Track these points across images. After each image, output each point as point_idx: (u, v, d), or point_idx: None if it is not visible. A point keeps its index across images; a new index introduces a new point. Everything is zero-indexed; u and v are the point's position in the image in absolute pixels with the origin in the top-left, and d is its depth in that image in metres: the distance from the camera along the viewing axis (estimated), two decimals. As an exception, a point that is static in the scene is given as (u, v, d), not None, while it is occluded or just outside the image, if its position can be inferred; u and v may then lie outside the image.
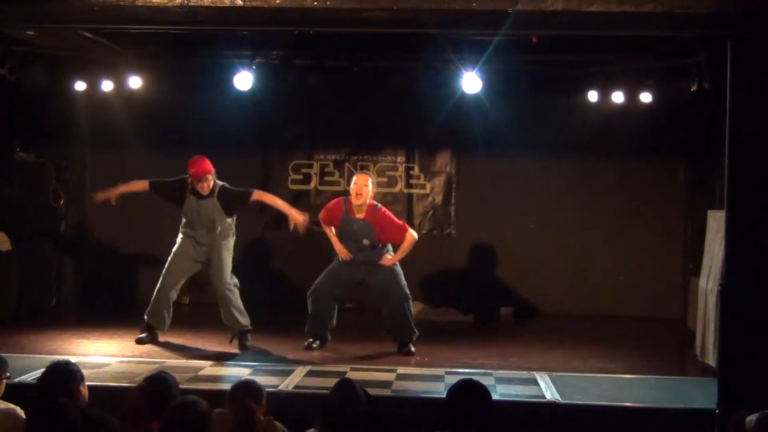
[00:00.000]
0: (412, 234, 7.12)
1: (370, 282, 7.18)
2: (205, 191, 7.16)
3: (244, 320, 7.18)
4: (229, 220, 7.27)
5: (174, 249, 7.31)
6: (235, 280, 7.30)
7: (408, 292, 7.16)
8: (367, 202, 7.06)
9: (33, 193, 9.00)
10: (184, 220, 7.31)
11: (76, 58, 8.61)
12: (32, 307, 8.76)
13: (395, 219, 7.22)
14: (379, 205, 7.21)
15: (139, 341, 7.25)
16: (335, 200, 7.37)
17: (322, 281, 7.16)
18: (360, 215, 7.08)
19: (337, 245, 7.10)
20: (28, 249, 8.71)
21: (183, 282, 7.42)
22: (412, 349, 7.12)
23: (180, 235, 7.32)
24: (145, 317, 7.30)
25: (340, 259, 7.10)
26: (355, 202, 7.04)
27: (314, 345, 7.12)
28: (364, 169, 7.08)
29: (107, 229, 9.81)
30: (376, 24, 5.82)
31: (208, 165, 7.16)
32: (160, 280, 7.28)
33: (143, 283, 9.10)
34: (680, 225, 9.45)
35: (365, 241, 7.06)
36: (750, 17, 5.36)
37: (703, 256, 7.17)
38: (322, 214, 7.31)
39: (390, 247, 7.18)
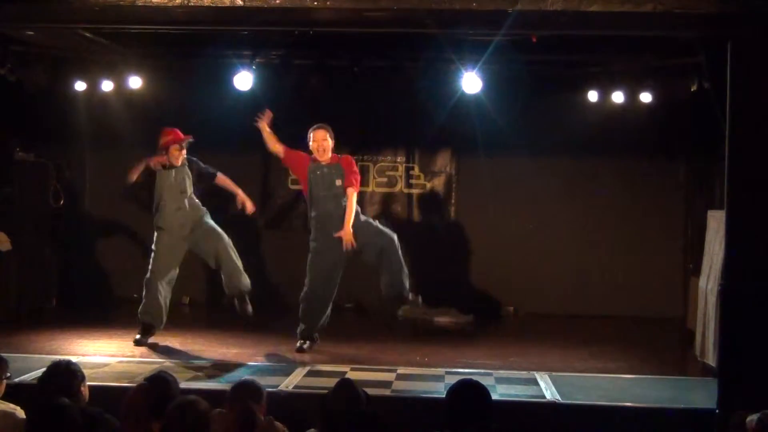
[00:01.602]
0: (352, 191, 7.02)
1: (366, 252, 7.09)
2: (179, 160, 7.23)
3: (246, 281, 7.24)
4: (196, 198, 7.30)
5: (153, 246, 7.30)
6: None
7: (391, 233, 7.10)
8: (330, 150, 7.10)
9: (33, 193, 9.00)
10: (156, 211, 7.27)
11: (76, 58, 8.61)
12: (32, 307, 8.76)
13: (355, 170, 7.15)
14: (344, 155, 7.23)
15: (137, 343, 7.24)
16: (299, 153, 7.32)
17: (313, 283, 7.08)
18: (325, 160, 7.08)
19: (348, 225, 6.92)
20: (28, 249, 8.71)
21: (174, 275, 7.33)
22: (400, 310, 7.26)
23: (155, 233, 7.31)
24: (139, 315, 7.27)
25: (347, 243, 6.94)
26: (321, 158, 7.06)
27: (305, 346, 7.10)
28: (363, 171, 6.90)
29: (107, 228, 9.82)
30: (376, 24, 5.82)
31: (180, 133, 7.27)
32: (147, 277, 7.25)
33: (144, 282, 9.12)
34: (680, 225, 9.45)
35: (338, 182, 7.02)
36: (750, 17, 5.36)
37: (703, 256, 7.17)
38: (286, 151, 7.30)
39: None
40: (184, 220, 7.25)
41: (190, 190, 7.29)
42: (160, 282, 7.22)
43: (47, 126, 9.21)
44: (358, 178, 7.20)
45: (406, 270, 7.10)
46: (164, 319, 7.29)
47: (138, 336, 7.26)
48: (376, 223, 7.19)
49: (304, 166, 7.16)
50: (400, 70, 8.69)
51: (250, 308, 7.26)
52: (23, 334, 7.61)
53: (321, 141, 7.06)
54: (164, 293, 7.27)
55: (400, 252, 7.10)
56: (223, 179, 7.52)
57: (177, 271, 7.37)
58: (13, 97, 8.36)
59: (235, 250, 7.32)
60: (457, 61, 7.89)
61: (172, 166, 7.24)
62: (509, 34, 6.25)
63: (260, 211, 9.55)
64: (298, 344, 7.10)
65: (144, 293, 7.26)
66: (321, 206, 7.05)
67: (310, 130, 7.19)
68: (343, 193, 7.02)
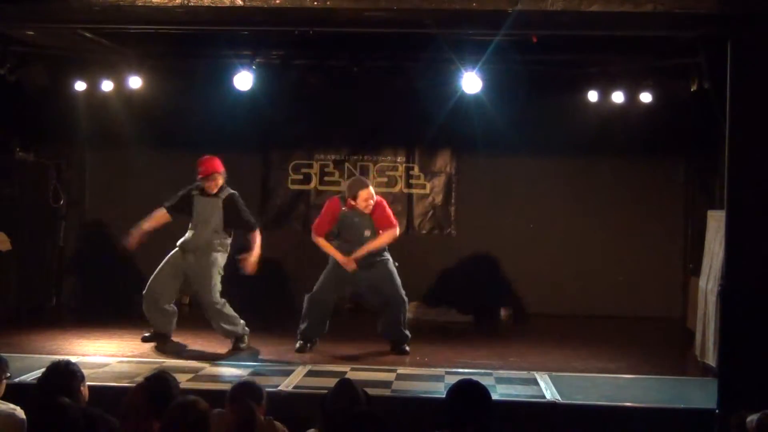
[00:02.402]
0: (391, 233, 7.09)
1: (366, 279, 7.14)
2: (212, 189, 7.16)
3: (238, 329, 7.16)
4: (223, 232, 7.16)
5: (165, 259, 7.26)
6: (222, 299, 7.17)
7: (404, 295, 7.12)
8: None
9: (33, 193, 9.01)
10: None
11: (76, 58, 8.61)
12: (32, 307, 8.76)
13: (389, 212, 7.18)
14: (378, 198, 7.19)
15: (145, 339, 7.24)
16: (329, 203, 7.24)
17: (321, 287, 7.13)
18: (368, 211, 7.08)
19: (341, 258, 7.03)
20: (28, 249, 8.71)
21: (174, 291, 7.26)
22: (407, 348, 7.14)
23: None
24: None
25: (348, 270, 7.03)
26: (366, 213, 7.05)
27: (306, 347, 7.11)
28: (363, 171, 6.82)
29: (107, 228, 9.82)
30: (376, 24, 5.83)
31: (218, 165, 7.17)
32: (146, 289, 7.20)
33: (144, 283, 9.11)
34: (680, 225, 9.45)
35: (366, 233, 7.07)
36: (750, 17, 5.36)
37: (703, 256, 7.17)
38: (315, 226, 7.20)
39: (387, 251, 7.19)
40: (196, 246, 7.12)
41: (215, 223, 7.13)
42: (158, 297, 7.15)
43: (47, 126, 9.20)
44: (394, 222, 7.18)
45: (405, 334, 7.16)
46: (171, 327, 7.27)
47: (148, 334, 7.27)
48: (398, 282, 7.10)
49: (336, 212, 7.12)
50: (400, 70, 8.70)
51: (243, 346, 7.14)
52: (23, 334, 7.60)
53: (368, 199, 7.02)
54: (165, 306, 7.19)
55: (404, 315, 7.14)
56: (255, 236, 7.21)
57: (176, 288, 7.26)
58: (13, 97, 8.35)
59: (220, 311, 7.08)
60: (457, 61, 7.89)
61: (206, 194, 7.17)
62: (509, 34, 6.25)
63: (260, 212, 9.56)
64: (297, 345, 7.11)
65: (143, 305, 7.22)
66: (347, 246, 7.08)
67: (353, 185, 7.11)
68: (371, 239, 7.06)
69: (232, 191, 7.24)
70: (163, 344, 7.24)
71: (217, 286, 7.11)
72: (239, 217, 7.22)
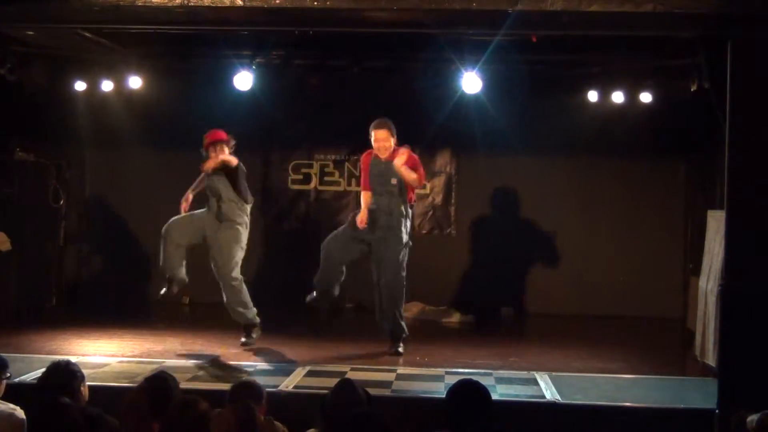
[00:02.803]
0: (420, 180, 7.06)
1: (374, 256, 7.08)
2: (210, 163, 7.05)
3: (248, 313, 7.11)
4: (240, 202, 7.11)
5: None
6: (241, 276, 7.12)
7: (403, 281, 7.05)
8: (392, 150, 7.05)
9: (33, 193, 9.00)
10: None
11: (76, 58, 8.61)
12: (32, 307, 8.76)
13: (418, 163, 7.12)
14: (404, 147, 7.13)
15: (162, 297, 7.18)
16: (364, 155, 7.30)
17: (337, 235, 7.09)
18: (384, 156, 7.06)
19: (363, 212, 7.01)
20: (28, 249, 8.71)
21: (187, 240, 7.11)
22: (400, 349, 7.08)
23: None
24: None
25: (357, 222, 6.97)
26: (382, 157, 7.05)
27: (320, 301, 7.09)
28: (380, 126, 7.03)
29: (107, 229, 9.83)
30: (375, 24, 5.83)
31: (222, 134, 7.12)
32: (165, 228, 7.07)
33: (144, 283, 9.12)
34: (680, 225, 9.45)
35: (393, 180, 7.01)
36: (750, 17, 5.37)
37: (703, 256, 7.17)
38: (362, 180, 7.29)
39: (407, 224, 7.08)
40: (210, 222, 7.07)
41: (227, 194, 7.06)
42: (171, 231, 7.03)
43: (47, 126, 9.20)
44: (421, 171, 7.11)
45: (403, 326, 7.11)
46: (182, 272, 7.12)
47: (163, 290, 7.17)
48: (402, 264, 7.02)
49: (368, 162, 7.18)
50: (400, 70, 8.69)
51: (250, 339, 7.09)
52: (23, 334, 7.60)
53: (382, 141, 7.04)
54: (180, 250, 7.06)
55: (400, 304, 7.08)
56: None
57: (191, 241, 7.12)
58: (13, 97, 8.35)
59: (237, 289, 7.04)
60: (457, 61, 7.89)
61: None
62: (509, 34, 6.25)
63: (260, 212, 9.56)
64: (310, 296, 7.11)
65: (162, 250, 7.09)
66: (374, 200, 7.07)
67: (372, 126, 7.12)
68: (398, 192, 7.01)
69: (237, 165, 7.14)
70: (176, 291, 7.16)
71: (238, 262, 7.07)
72: (236, 187, 7.12)
